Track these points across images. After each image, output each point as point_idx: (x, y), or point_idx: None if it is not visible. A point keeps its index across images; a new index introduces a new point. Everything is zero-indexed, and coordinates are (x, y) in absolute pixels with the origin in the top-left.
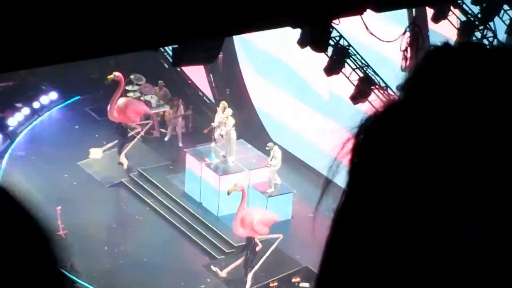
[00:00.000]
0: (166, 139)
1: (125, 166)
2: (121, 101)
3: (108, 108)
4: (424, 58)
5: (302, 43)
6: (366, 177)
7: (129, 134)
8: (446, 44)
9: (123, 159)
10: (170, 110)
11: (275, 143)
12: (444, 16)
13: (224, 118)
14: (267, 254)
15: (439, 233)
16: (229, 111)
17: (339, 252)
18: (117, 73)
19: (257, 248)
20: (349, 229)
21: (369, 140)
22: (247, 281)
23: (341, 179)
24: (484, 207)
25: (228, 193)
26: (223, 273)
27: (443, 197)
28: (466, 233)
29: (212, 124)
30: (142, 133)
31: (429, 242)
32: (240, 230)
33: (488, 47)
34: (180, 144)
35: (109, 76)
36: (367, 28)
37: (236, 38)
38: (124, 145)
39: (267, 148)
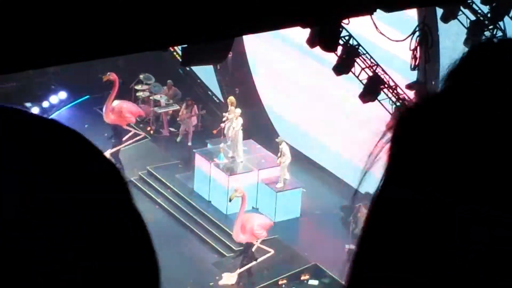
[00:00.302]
0: (178, 140)
1: None
2: (116, 103)
3: (104, 109)
4: (468, 53)
5: (312, 42)
6: (388, 176)
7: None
8: (489, 40)
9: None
10: (185, 110)
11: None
12: (454, 16)
13: (232, 117)
14: (252, 264)
15: (446, 236)
16: (238, 111)
17: (357, 253)
18: (111, 73)
19: (254, 248)
20: (364, 229)
21: (397, 139)
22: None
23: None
24: (487, 209)
25: (230, 200)
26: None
27: (449, 199)
28: (472, 236)
29: (221, 124)
30: (131, 140)
31: (436, 244)
32: (241, 236)
33: None
34: (190, 143)
35: (104, 76)
36: (376, 27)
37: (246, 37)
38: (117, 147)
39: (276, 140)
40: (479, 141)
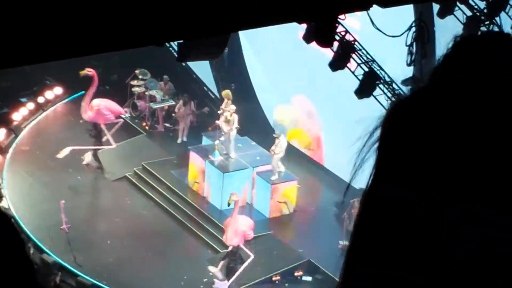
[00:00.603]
0: (179, 141)
1: (88, 161)
2: (96, 101)
3: (82, 106)
4: (452, 48)
5: (308, 38)
6: (378, 173)
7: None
8: (471, 35)
9: (89, 158)
10: (182, 107)
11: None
12: (450, 11)
13: (227, 115)
14: (241, 269)
15: (435, 237)
16: (232, 107)
17: (350, 249)
18: (89, 69)
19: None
20: (357, 225)
21: (385, 135)
22: None
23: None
24: (479, 208)
25: (229, 205)
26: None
27: (438, 199)
28: (462, 236)
29: (217, 121)
30: (109, 135)
31: (426, 245)
32: (235, 240)
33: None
34: (185, 139)
35: (81, 72)
36: (373, 23)
37: (242, 33)
38: (98, 148)
39: (274, 135)
40: (462, 137)
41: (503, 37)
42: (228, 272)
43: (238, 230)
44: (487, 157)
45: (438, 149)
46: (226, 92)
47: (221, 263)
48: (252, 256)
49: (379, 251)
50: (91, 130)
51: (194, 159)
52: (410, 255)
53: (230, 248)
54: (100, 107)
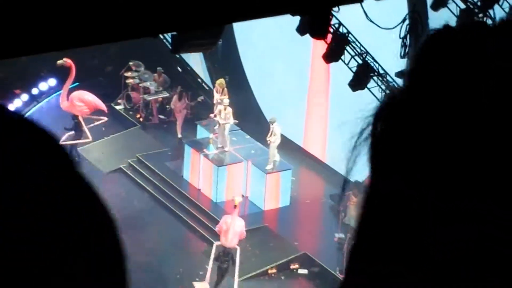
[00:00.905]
0: (179, 135)
1: None
2: (75, 92)
3: (60, 95)
4: (424, 43)
5: (302, 30)
6: (373, 169)
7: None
8: (446, 27)
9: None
10: (178, 101)
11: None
12: (444, 4)
13: (221, 108)
14: (237, 266)
15: (424, 234)
16: (226, 101)
17: (353, 245)
18: (66, 59)
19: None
20: (357, 221)
21: (375, 131)
22: None
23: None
24: (475, 204)
25: (235, 207)
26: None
27: (428, 194)
28: (452, 234)
29: (211, 115)
30: (85, 127)
31: (415, 242)
32: (234, 241)
33: (491, 25)
34: (179, 131)
35: (58, 62)
36: (366, 15)
37: (235, 24)
38: (77, 140)
39: (269, 120)
40: (456, 129)
41: (485, 26)
42: (223, 273)
43: (236, 231)
44: (484, 149)
45: (430, 142)
46: (220, 81)
47: (209, 272)
48: (238, 248)
49: (372, 248)
50: (69, 122)
51: (189, 152)
52: (401, 252)
53: (215, 248)
54: (73, 98)
